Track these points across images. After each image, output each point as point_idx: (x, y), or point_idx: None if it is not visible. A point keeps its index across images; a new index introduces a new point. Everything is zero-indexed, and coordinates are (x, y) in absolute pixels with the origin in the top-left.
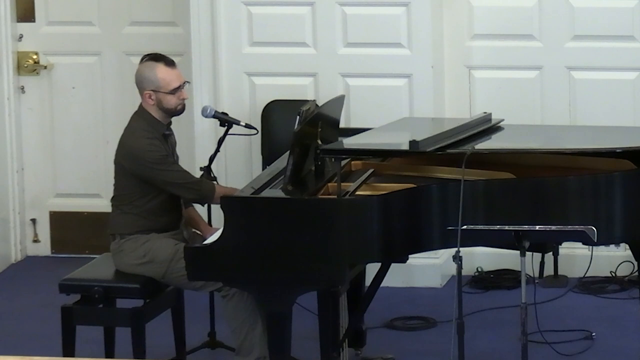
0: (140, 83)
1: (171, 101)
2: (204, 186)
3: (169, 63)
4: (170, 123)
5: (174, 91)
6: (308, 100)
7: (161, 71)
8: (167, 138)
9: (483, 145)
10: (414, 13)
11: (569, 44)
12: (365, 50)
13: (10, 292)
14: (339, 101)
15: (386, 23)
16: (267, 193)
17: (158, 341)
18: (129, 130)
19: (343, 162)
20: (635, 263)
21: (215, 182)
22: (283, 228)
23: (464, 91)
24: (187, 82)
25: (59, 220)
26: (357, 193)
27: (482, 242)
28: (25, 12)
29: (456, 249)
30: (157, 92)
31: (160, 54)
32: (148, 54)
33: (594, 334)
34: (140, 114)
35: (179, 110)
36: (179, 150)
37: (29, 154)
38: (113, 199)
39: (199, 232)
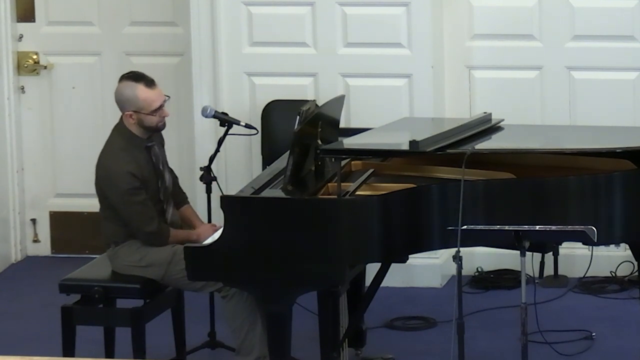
0: (121, 103)
1: (152, 120)
2: (159, 237)
3: (149, 83)
4: (151, 134)
5: (155, 112)
6: (308, 100)
7: (142, 92)
8: (150, 150)
9: (483, 145)
10: (414, 13)
11: (569, 44)
12: (365, 50)
13: (10, 292)
14: (339, 101)
15: (386, 23)
16: (267, 193)
17: (158, 341)
18: (108, 149)
19: (343, 162)
20: (635, 263)
21: (170, 232)
22: (283, 228)
23: (464, 91)
24: (168, 97)
25: (59, 220)
26: (357, 193)
27: (482, 242)
28: (25, 12)
29: (456, 249)
30: (138, 113)
31: (140, 73)
32: (127, 73)
33: (594, 334)
34: (120, 130)
35: (159, 128)
36: (179, 150)
37: (29, 154)
38: (100, 210)
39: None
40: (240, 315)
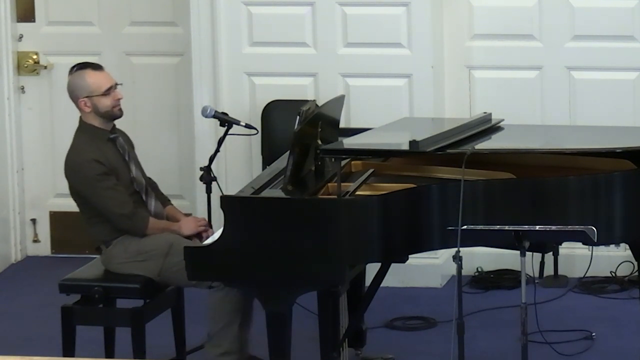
0: (73, 93)
1: (106, 103)
2: (136, 221)
3: (96, 67)
4: (114, 126)
5: (107, 92)
6: (308, 100)
7: (90, 76)
8: (114, 141)
9: (483, 145)
10: (414, 13)
11: (569, 44)
12: (365, 50)
13: (10, 292)
14: (339, 101)
15: (386, 23)
16: (267, 193)
17: (158, 341)
18: (72, 147)
19: (343, 162)
20: (635, 263)
21: (150, 218)
22: (283, 228)
23: (464, 91)
24: (119, 83)
25: (59, 220)
26: (357, 193)
27: (482, 242)
28: (25, 12)
29: (456, 249)
30: (91, 98)
31: (85, 62)
32: (75, 65)
33: (594, 334)
34: (81, 128)
35: (116, 113)
36: (179, 150)
37: (29, 154)
38: (80, 214)
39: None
40: (224, 308)
